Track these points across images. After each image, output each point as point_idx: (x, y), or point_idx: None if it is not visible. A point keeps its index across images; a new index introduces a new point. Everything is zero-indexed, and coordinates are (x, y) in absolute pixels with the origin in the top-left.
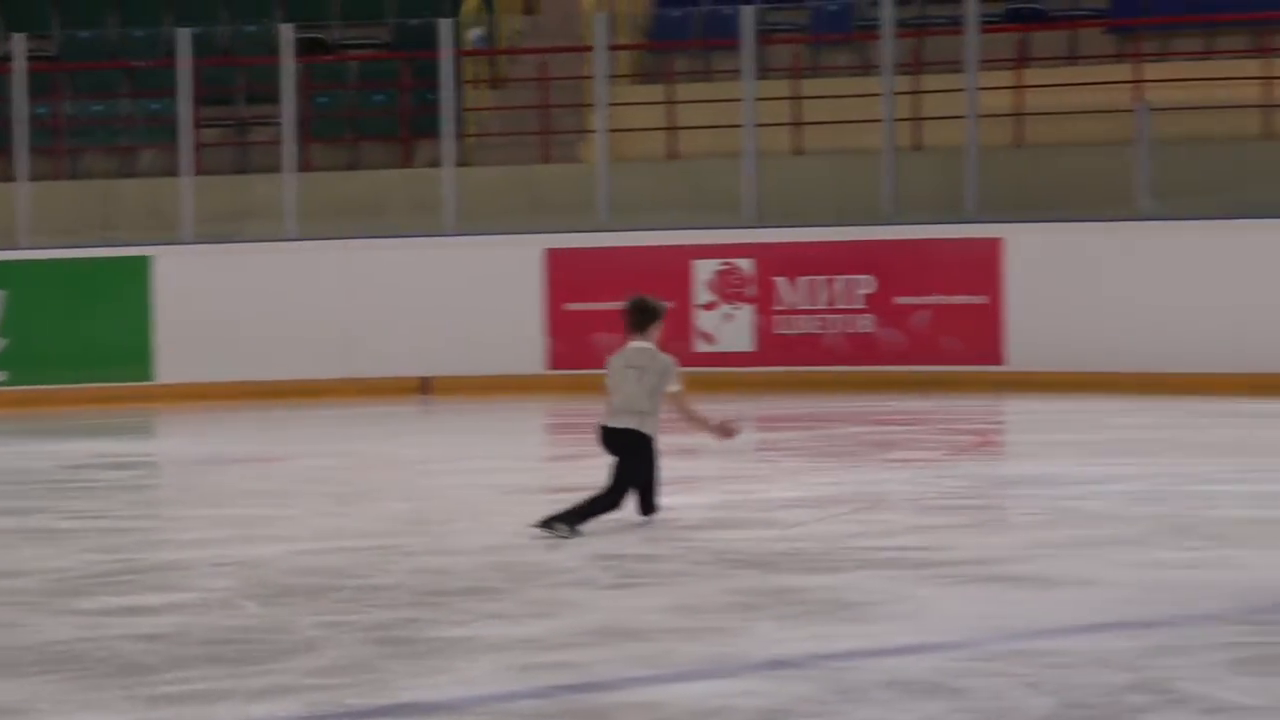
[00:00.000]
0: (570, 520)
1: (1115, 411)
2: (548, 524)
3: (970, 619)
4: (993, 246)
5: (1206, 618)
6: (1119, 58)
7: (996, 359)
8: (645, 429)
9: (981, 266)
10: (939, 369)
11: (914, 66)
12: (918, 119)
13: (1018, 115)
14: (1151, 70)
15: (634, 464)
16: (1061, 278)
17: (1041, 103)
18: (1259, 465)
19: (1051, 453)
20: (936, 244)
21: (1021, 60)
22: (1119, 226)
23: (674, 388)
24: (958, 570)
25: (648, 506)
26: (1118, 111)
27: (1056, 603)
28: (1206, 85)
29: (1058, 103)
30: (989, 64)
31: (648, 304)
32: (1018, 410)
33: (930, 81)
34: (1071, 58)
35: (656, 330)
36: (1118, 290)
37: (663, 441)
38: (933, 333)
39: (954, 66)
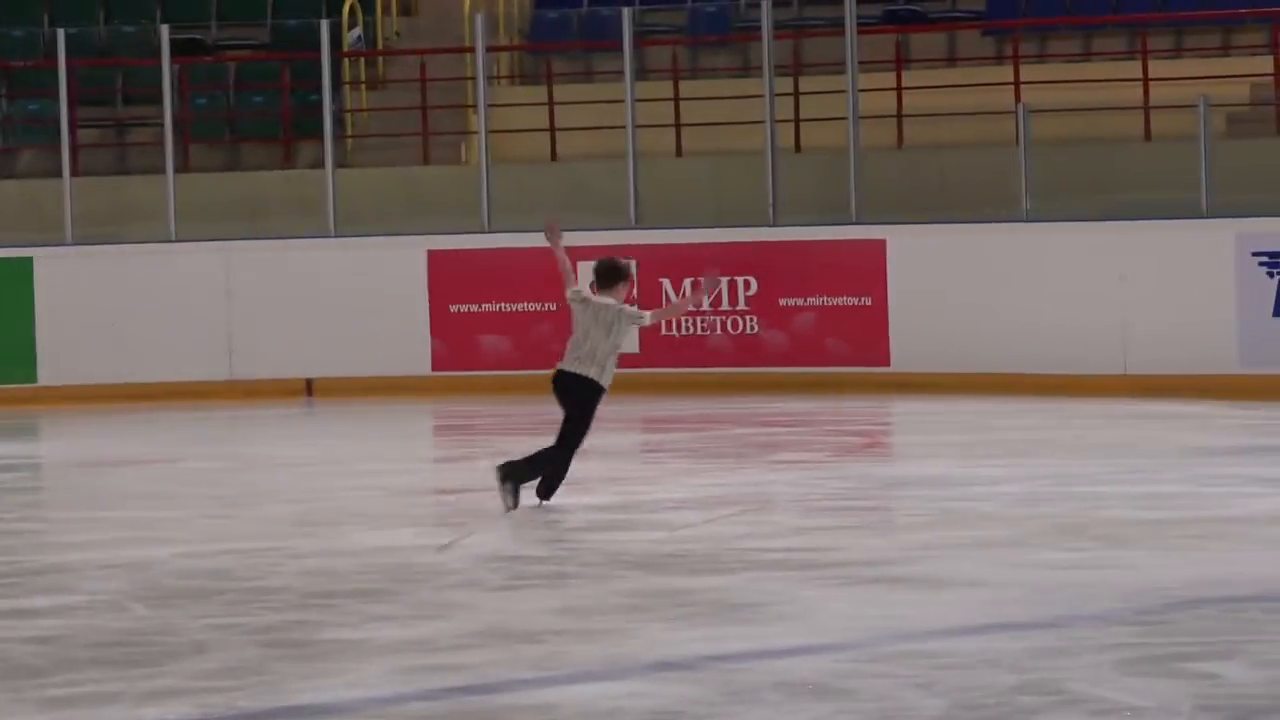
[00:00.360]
0: (518, 475)
1: (1000, 413)
2: (506, 477)
3: (859, 620)
4: (876, 248)
5: (1095, 619)
6: (997, 60)
7: (881, 360)
8: (603, 381)
9: (864, 268)
10: (824, 370)
11: (793, 68)
12: (798, 120)
13: (898, 117)
14: (1030, 72)
15: (581, 414)
16: (945, 279)
17: (921, 104)
18: (1144, 466)
19: (938, 454)
20: (819, 246)
21: (901, 62)
22: (1001, 228)
23: (645, 320)
24: (845, 571)
25: (562, 453)
26: (997, 113)
27: (945, 604)
28: (1085, 87)
29: (938, 104)
30: (868, 65)
31: (615, 265)
32: (903, 411)
33: (810, 83)
34: (950, 60)
35: (623, 289)
36: (1001, 292)
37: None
38: (817, 334)
39: (834, 68)
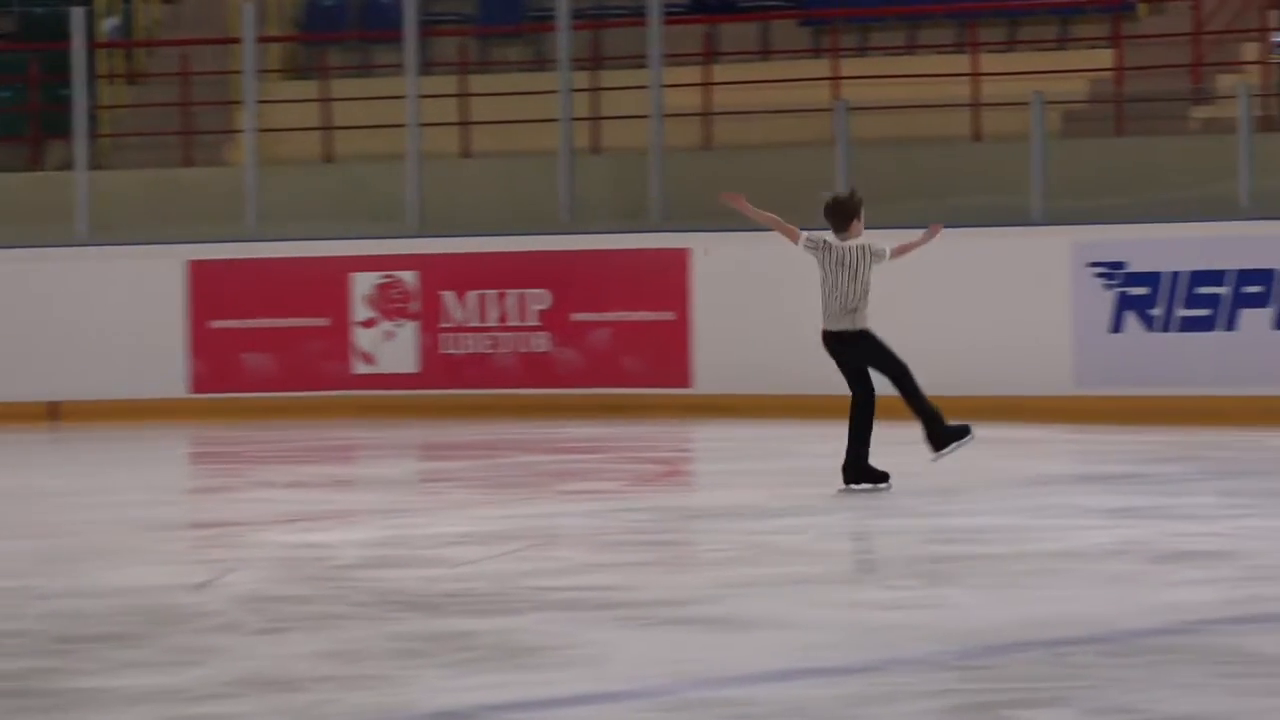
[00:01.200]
0: (857, 462)
1: (813, 438)
2: (855, 480)
3: (656, 665)
4: (679, 258)
5: (914, 663)
6: (815, 53)
7: (683, 381)
8: (858, 325)
9: (667, 280)
10: (621, 392)
11: (592, 61)
12: (597, 118)
13: (706, 115)
14: (850, 66)
15: (876, 359)
16: (755, 292)
17: (731, 101)
18: (968, 496)
19: (743, 483)
20: (618, 255)
21: (710, 55)
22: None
23: (885, 257)
24: (642, 611)
25: (908, 392)
26: (814, 111)
27: (750, 647)
28: (910, 83)
29: (749, 101)
30: (674, 59)
31: (842, 201)
32: (707, 437)
33: (610, 78)
34: (764, 52)
35: (859, 224)
36: (814, 305)
37: (319, 473)
38: (614, 352)
39: (636, 61)
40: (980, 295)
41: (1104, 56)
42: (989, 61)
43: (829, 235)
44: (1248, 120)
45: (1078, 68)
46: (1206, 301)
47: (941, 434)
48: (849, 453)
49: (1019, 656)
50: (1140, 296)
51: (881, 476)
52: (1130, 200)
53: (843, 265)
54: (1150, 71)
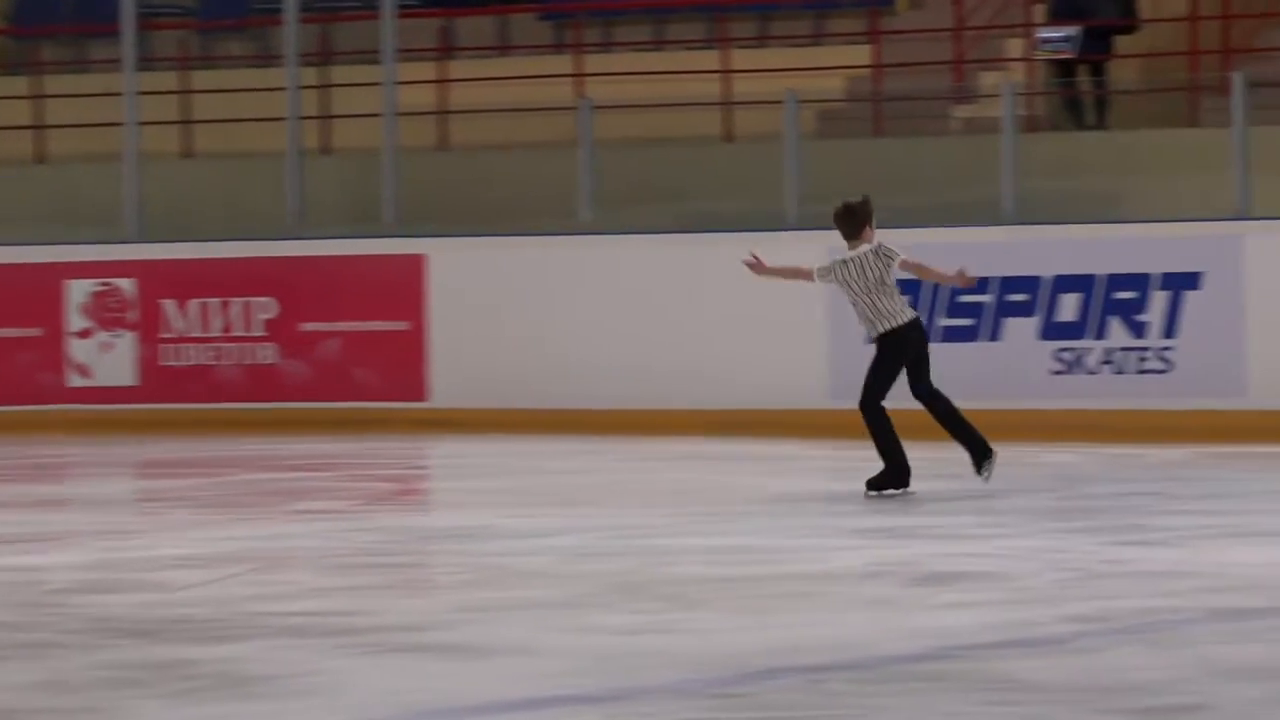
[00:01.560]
0: (894, 478)
1: (555, 454)
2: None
3: (391, 694)
4: (414, 264)
5: (661, 691)
6: (557, 48)
7: (419, 394)
8: (900, 320)
9: (401, 287)
10: (352, 406)
11: (321, 56)
12: (326, 117)
13: (442, 113)
14: (594, 62)
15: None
16: (494, 300)
17: (469, 99)
18: (719, 515)
19: (482, 502)
20: (349, 261)
21: (446, 50)
22: (557, 241)
23: (899, 259)
24: (375, 638)
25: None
26: (556, 109)
27: (488, 675)
28: (657, 80)
29: (488, 99)
30: (409, 54)
31: (850, 207)
32: (444, 453)
33: (341, 74)
34: (503, 48)
35: (871, 230)
36: (559, 314)
37: (30, 493)
38: (345, 364)
39: (368, 57)
40: (730, 303)
41: (861, 53)
42: (740, 58)
43: (838, 255)
44: (1012, 120)
45: (833, 65)
46: (969, 311)
47: (884, 478)
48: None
49: (772, 684)
50: None
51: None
52: (889, 204)
53: (862, 276)
54: (910, 69)
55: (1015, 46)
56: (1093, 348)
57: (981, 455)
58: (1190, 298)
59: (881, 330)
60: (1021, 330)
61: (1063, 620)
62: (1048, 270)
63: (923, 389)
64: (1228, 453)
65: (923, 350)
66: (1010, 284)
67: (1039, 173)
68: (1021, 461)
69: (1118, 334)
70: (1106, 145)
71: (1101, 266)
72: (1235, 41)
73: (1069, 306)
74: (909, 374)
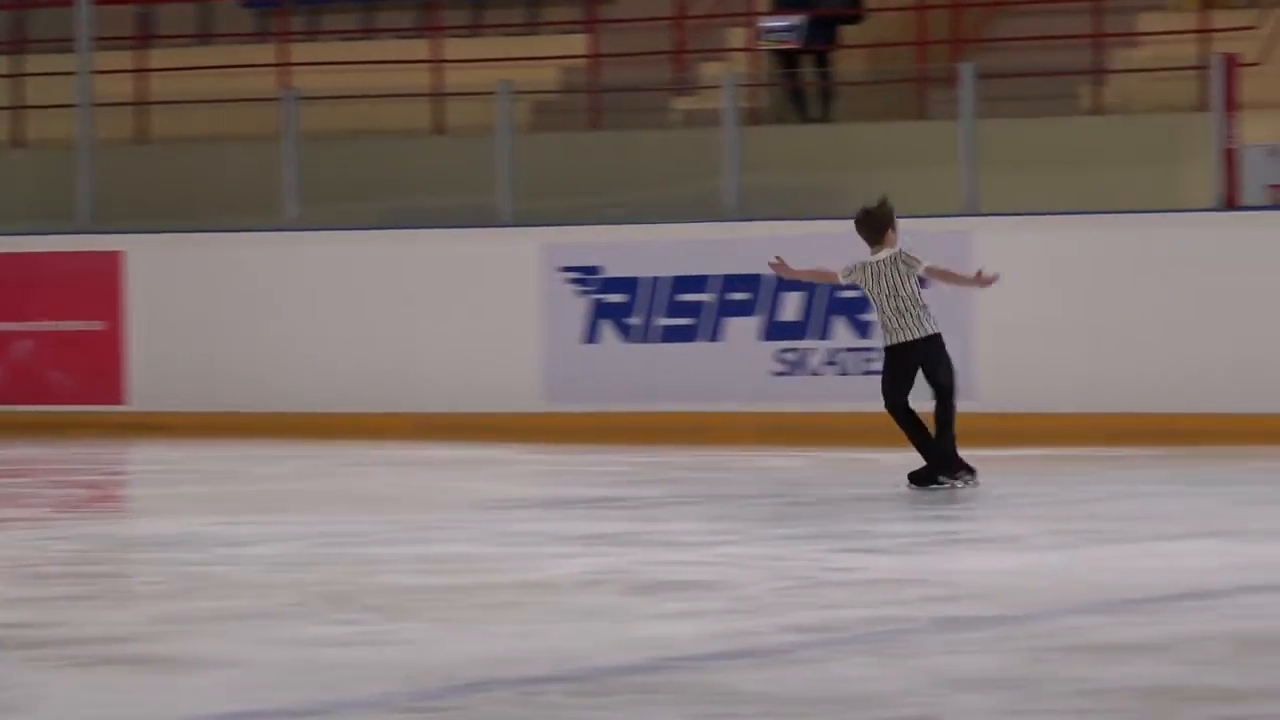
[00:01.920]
0: (938, 468)
1: (261, 459)
2: (927, 480)
3: (91, 709)
4: (111, 261)
5: (366, 705)
6: (260, 37)
7: (116, 397)
8: (928, 328)
9: (97, 286)
10: (46, 409)
11: (13, 45)
12: (18, 108)
13: (140, 104)
14: (300, 52)
15: (936, 366)
16: (195, 299)
17: (169, 89)
18: (429, 523)
19: (184, 509)
20: (41, 258)
21: (144, 39)
22: (262, 237)
23: (921, 267)
24: (73, 651)
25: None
26: (260, 100)
27: (189, 688)
28: (365, 70)
29: (188, 89)
30: (105, 42)
31: (871, 212)
32: (144, 459)
33: (34, 63)
34: (204, 36)
35: (894, 233)
36: (263, 313)
37: None
38: (38, 366)
39: (62, 45)
40: (441, 302)
41: (577, 43)
42: (453, 48)
43: (862, 258)
44: (734, 112)
45: (549, 55)
46: (688, 310)
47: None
48: (937, 446)
49: (483, 696)
50: (617, 304)
51: (965, 467)
52: (606, 199)
53: (881, 281)
54: (628, 59)
55: (737, 36)
56: (816, 348)
57: (930, 474)
58: None
59: (889, 342)
60: (743, 330)
61: (786, 630)
62: (770, 268)
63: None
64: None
65: (929, 364)
66: (731, 282)
67: (761, 167)
68: (743, 466)
69: (842, 334)
70: (831, 138)
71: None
72: (964, 32)
73: (791, 306)
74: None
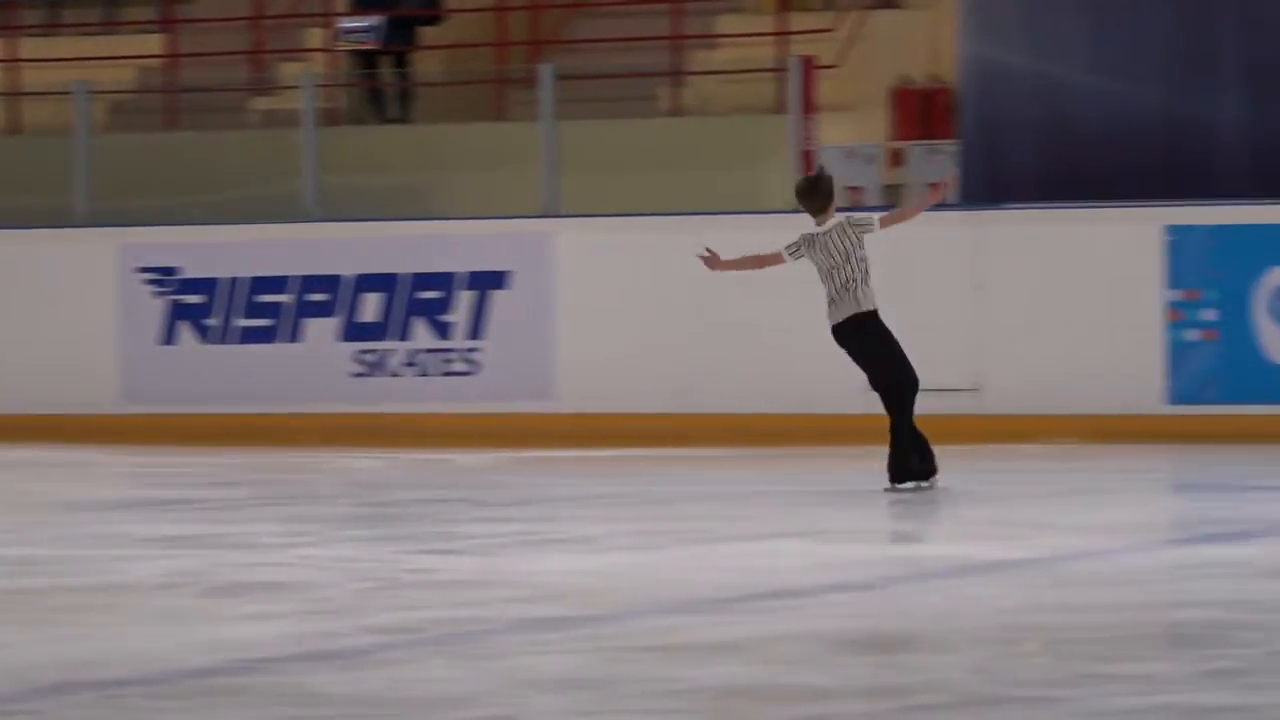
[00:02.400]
0: (902, 465)
1: None
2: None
3: None
4: None
5: None
6: None
7: None
8: (865, 306)
9: None
10: None
11: None
12: None
13: None
14: None
15: (865, 356)
16: None
17: None
18: (6, 525)
19: None
20: None
21: None
22: None
23: (875, 228)
24: None
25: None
26: None
27: None
28: None
29: None
30: None
31: (815, 181)
32: None
33: None
34: None
35: (834, 204)
36: None
37: None
38: None
39: None
40: (17, 303)
41: (154, 42)
42: (29, 46)
43: (806, 231)
44: (312, 113)
45: (126, 55)
46: (267, 311)
47: (901, 470)
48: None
49: (67, 699)
50: (194, 305)
51: (924, 473)
52: (184, 199)
53: (831, 252)
54: (206, 59)
55: (315, 37)
56: (395, 349)
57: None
58: (498, 297)
59: (840, 318)
60: (321, 331)
61: (365, 631)
62: (349, 269)
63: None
64: (537, 457)
65: (867, 340)
66: (311, 283)
67: (341, 168)
68: (322, 468)
69: (422, 335)
70: (411, 139)
71: (405, 265)
72: (543, 33)
73: (371, 307)
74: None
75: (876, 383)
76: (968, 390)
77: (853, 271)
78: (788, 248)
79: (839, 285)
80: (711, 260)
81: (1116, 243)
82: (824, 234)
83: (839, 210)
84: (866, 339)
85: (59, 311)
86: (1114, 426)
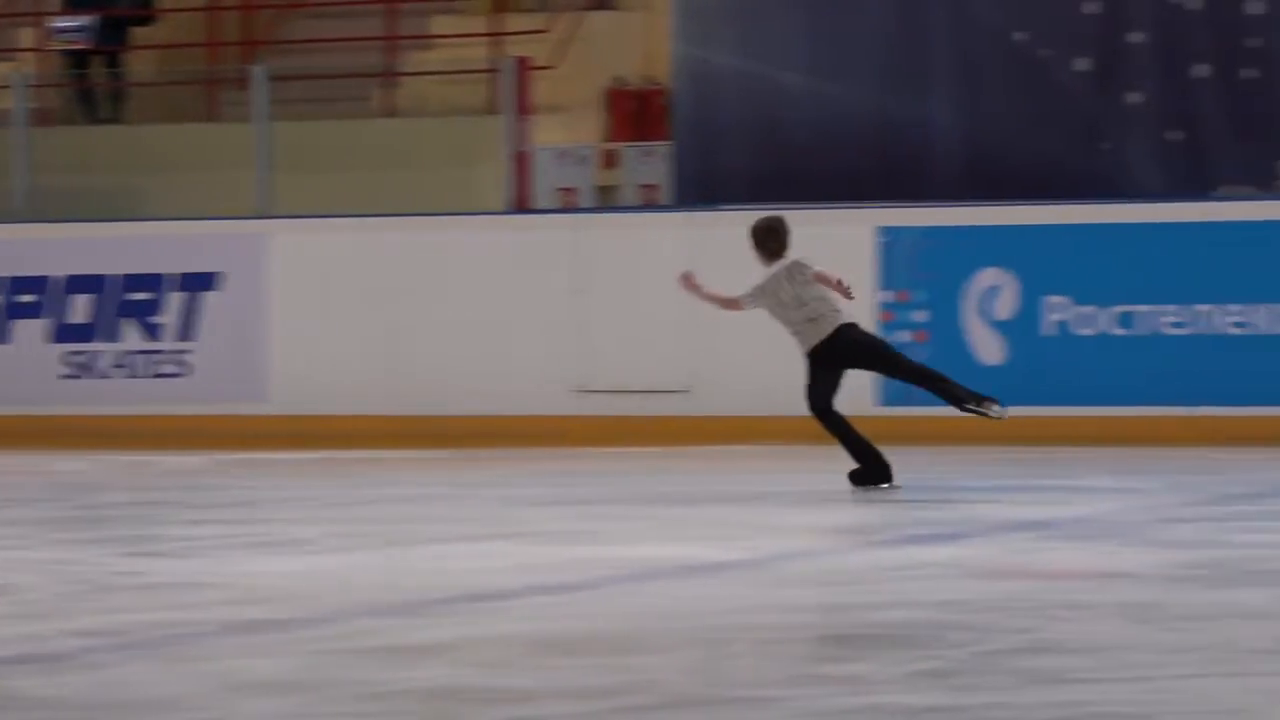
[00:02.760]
0: (871, 472)
1: None
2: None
3: None
4: None
5: None
6: None
7: None
8: (806, 345)
9: None
10: None
11: None
12: None
13: None
14: None
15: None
16: None
17: None
18: None
19: None
20: None
21: None
22: None
23: (811, 271)
24: None
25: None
26: None
27: None
28: None
29: None
30: None
31: (776, 227)
32: None
33: None
34: None
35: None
36: None
37: None
38: None
39: None
40: None
41: None
42: None
43: (759, 279)
44: (24, 113)
45: None
46: None
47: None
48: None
49: None
50: None
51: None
52: None
53: (782, 295)
54: None
55: (28, 36)
56: (105, 351)
57: (866, 475)
58: (209, 299)
59: (806, 349)
60: (30, 332)
61: (71, 635)
62: (59, 270)
63: (901, 374)
64: (247, 459)
65: (857, 349)
66: (19, 284)
67: (52, 168)
68: (29, 470)
69: (131, 337)
70: (123, 140)
71: (116, 267)
72: (256, 34)
73: (81, 308)
74: (879, 370)
75: (812, 407)
76: (680, 391)
77: (809, 309)
78: (746, 297)
79: (802, 321)
80: (690, 285)
81: (829, 244)
82: (774, 278)
83: None
84: (809, 375)
85: None
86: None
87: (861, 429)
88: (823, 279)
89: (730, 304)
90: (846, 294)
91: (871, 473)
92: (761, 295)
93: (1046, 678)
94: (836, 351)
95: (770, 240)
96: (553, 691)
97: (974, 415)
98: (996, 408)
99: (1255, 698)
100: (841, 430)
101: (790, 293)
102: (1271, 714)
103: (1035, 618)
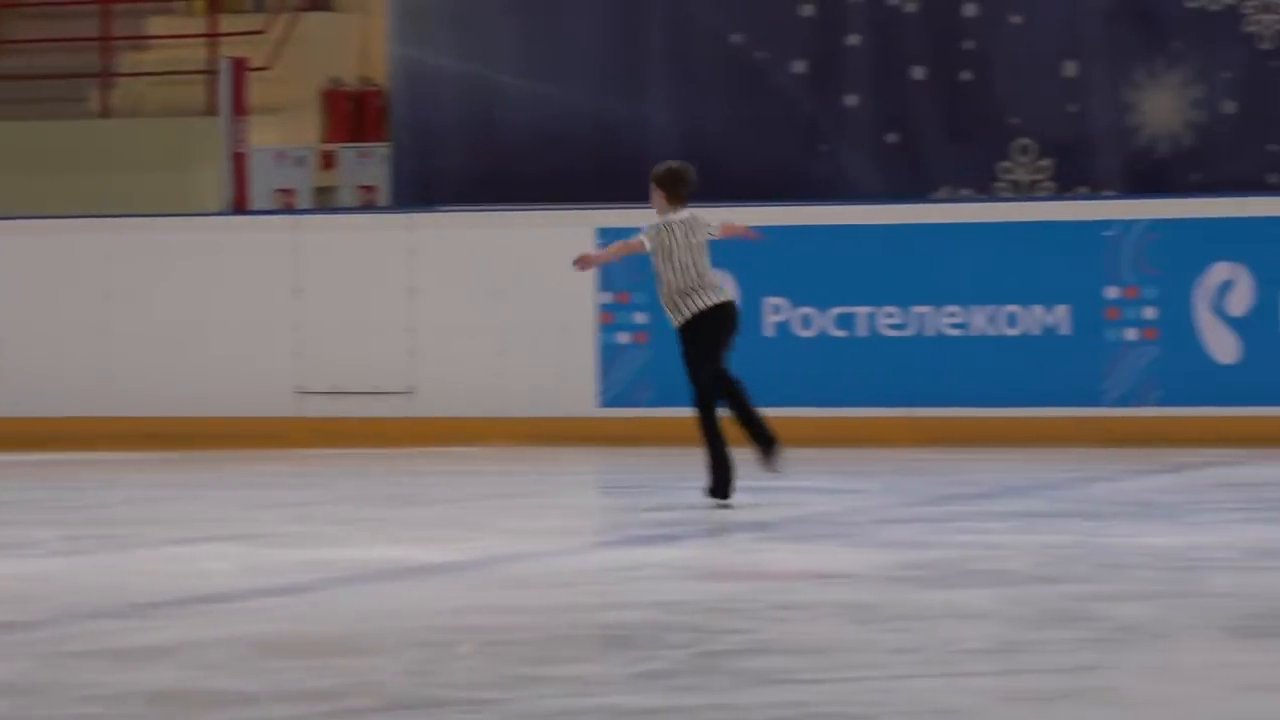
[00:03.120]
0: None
1: None
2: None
3: None
4: None
5: None
6: None
7: None
8: (677, 321)
9: None
10: None
11: None
12: None
13: None
14: None
15: (687, 369)
16: None
17: None
18: None
19: None
20: None
21: None
22: None
23: (716, 226)
24: None
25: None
26: None
27: None
28: None
29: None
30: None
31: (680, 172)
32: None
33: None
34: None
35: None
36: None
37: None
38: None
39: None
40: None
41: None
42: None
43: (660, 219)
44: None
45: None
46: None
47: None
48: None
49: None
50: None
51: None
52: None
53: (688, 245)
54: None
55: None
56: None
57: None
58: None
59: (688, 315)
60: None
61: None
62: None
63: (726, 375)
64: None
65: (726, 332)
66: None
67: None
68: None
69: None
70: None
71: None
72: None
73: None
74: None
75: (694, 397)
76: (401, 393)
77: (701, 268)
78: (646, 235)
79: (686, 281)
80: (584, 262)
81: (548, 245)
82: (678, 222)
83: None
84: (685, 357)
85: None
86: (548, 429)
87: (585, 430)
88: (730, 229)
89: (632, 247)
90: (754, 235)
91: (719, 487)
92: (656, 236)
93: (767, 678)
94: (713, 324)
95: (674, 185)
96: (276, 694)
97: (757, 452)
98: (779, 461)
99: (973, 698)
100: (713, 433)
101: (682, 244)
102: (989, 713)
103: (756, 618)
